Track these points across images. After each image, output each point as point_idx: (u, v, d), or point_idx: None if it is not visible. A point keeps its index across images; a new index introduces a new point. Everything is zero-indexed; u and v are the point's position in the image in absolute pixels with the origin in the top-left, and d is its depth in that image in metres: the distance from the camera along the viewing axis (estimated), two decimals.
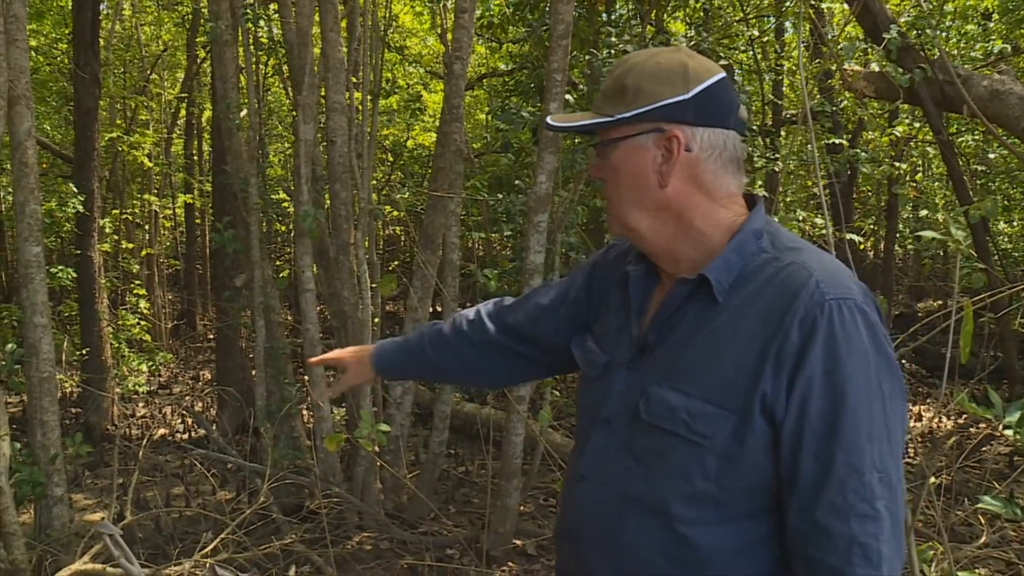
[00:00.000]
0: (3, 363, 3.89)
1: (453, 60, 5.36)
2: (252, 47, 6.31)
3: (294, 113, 5.44)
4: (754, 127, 6.21)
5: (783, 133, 8.56)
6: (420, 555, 4.83)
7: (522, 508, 5.27)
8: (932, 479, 2.50)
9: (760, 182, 7.25)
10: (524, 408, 4.87)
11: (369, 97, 6.08)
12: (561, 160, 5.21)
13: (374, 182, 11.19)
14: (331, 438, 3.08)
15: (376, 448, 5.26)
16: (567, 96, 4.97)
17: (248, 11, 5.58)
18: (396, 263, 12.08)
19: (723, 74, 1.39)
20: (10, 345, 4.03)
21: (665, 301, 1.41)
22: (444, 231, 5.54)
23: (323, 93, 5.40)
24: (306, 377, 5.45)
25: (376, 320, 5.57)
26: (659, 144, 1.35)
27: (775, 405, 1.24)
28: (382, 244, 13.62)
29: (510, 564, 4.80)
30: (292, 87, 5.71)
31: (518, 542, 5.00)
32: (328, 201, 5.42)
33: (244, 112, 5.76)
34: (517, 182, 6.53)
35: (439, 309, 5.90)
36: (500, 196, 5.62)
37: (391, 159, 11.82)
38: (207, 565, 3.36)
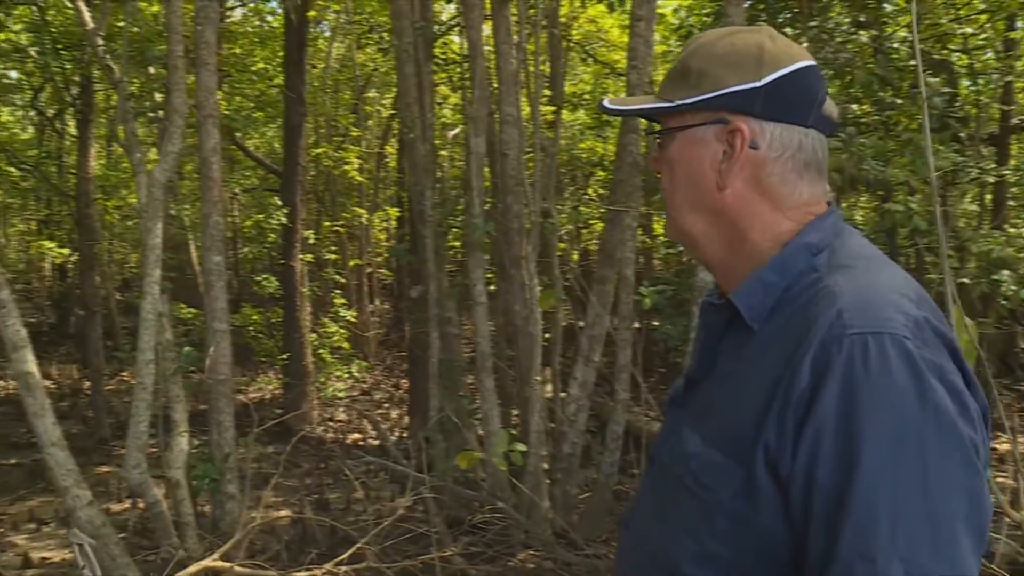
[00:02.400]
0: (180, 365, 4.12)
1: (629, 70, 5.22)
2: (430, 63, 6.44)
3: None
4: (962, 134, 5.64)
5: (1013, 141, 7.76)
6: None
7: None
8: None
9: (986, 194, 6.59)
10: None
11: (552, 108, 6.04)
12: None
13: (580, 196, 11.17)
14: (463, 455, 3.02)
15: (545, 466, 5.18)
16: None
17: (434, 25, 5.70)
18: None
19: (809, 62, 1.15)
20: (187, 348, 4.27)
21: (707, 330, 1.20)
22: (620, 246, 5.39)
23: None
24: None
25: (547, 335, 5.49)
26: (720, 138, 1.14)
27: (779, 460, 0.99)
28: (582, 259, 13.55)
29: None
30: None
31: None
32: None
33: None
34: None
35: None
36: None
37: (593, 172, 11.76)
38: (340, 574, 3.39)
